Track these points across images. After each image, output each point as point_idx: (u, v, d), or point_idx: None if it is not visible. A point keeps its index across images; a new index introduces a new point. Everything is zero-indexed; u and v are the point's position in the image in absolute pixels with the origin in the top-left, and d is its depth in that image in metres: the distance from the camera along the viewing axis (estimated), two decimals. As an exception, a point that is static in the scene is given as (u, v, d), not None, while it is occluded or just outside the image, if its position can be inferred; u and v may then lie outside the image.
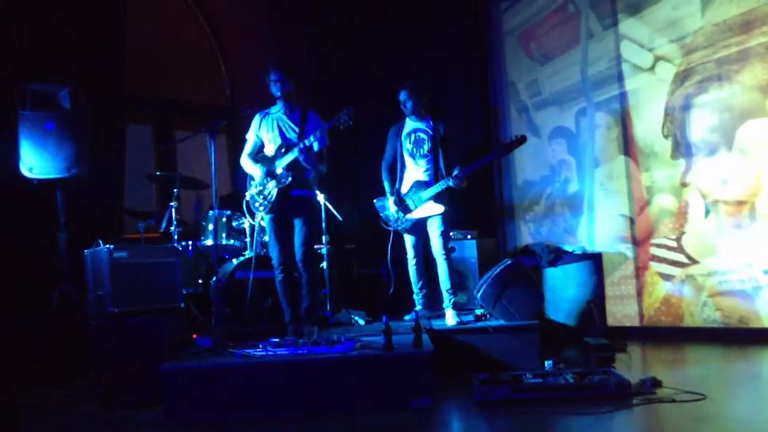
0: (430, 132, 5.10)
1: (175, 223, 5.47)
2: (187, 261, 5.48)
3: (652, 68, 5.75)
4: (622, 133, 6.03)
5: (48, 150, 4.91)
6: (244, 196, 4.93)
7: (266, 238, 5.46)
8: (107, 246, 4.41)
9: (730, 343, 5.05)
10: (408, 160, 5.16)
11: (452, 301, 4.96)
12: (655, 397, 3.56)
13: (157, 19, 7.42)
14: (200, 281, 5.59)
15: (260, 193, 4.67)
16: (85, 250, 4.65)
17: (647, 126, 5.82)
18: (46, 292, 4.90)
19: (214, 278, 5.13)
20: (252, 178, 4.77)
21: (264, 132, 4.76)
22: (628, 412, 3.38)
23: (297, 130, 4.65)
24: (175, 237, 5.44)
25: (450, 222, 5.12)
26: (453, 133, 5.26)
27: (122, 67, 6.35)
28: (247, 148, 4.83)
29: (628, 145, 5.99)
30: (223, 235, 5.62)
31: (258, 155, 4.80)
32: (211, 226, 5.56)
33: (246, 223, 5.63)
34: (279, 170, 4.59)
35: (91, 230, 4.97)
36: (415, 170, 5.13)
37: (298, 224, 4.64)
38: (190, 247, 5.63)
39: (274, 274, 4.69)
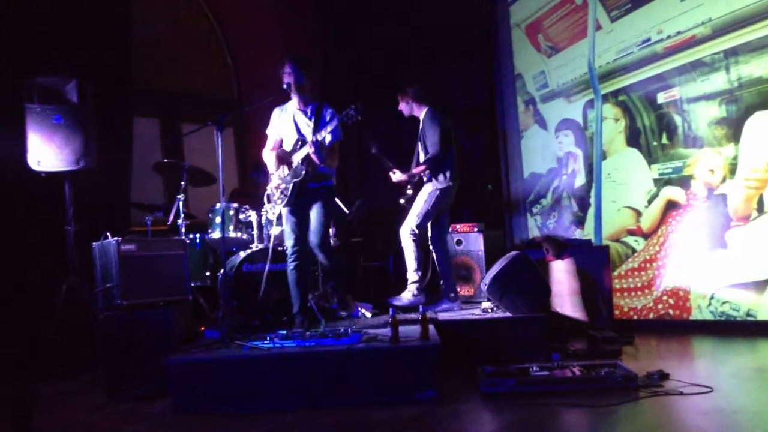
0: (420, 124, 5.34)
1: (182, 215, 5.48)
2: (194, 253, 5.50)
3: (660, 60, 5.72)
4: (630, 125, 6.01)
5: (56, 143, 4.91)
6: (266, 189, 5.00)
7: (272, 230, 5.51)
8: (115, 239, 4.43)
9: (737, 336, 5.04)
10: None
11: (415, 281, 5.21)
12: (662, 390, 3.55)
13: (164, 12, 7.43)
14: (207, 274, 5.61)
15: (278, 187, 4.74)
16: (93, 243, 4.67)
17: (655, 118, 5.80)
18: (55, 285, 4.92)
19: (222, 271, 5.15)
20: (271, 173, 4.85)
21: (280, 126, 4.81)
22: (634, 404, 3.38)
23: (311, 124, 4.69)
24: (183, 230, 5.45)
25: (428, 211, 5.23)
26: (437, 120, 5.28)
27: (128, 59, 6.36)
28: (268, 143, 4.91)
29: (635, 137, 5.97)
30: (231, 227, 5.64)
31: (279, 150, 4.86)
32: (218, 219, 5.58)
33: (253, 215, 5.63)
34: (295, 164, 4.64)
35: (99, 223, 4.98)
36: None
37: (313, 211, 4.69)
38: (198, 240, 5.65)
39: (287, 262, 4.75)
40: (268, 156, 4.89)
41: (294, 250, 4.72)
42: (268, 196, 4.91)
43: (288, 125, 4.76)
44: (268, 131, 4.89)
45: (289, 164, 4.70)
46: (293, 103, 4.77)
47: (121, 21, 6.29)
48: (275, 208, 4.84)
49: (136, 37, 6.47)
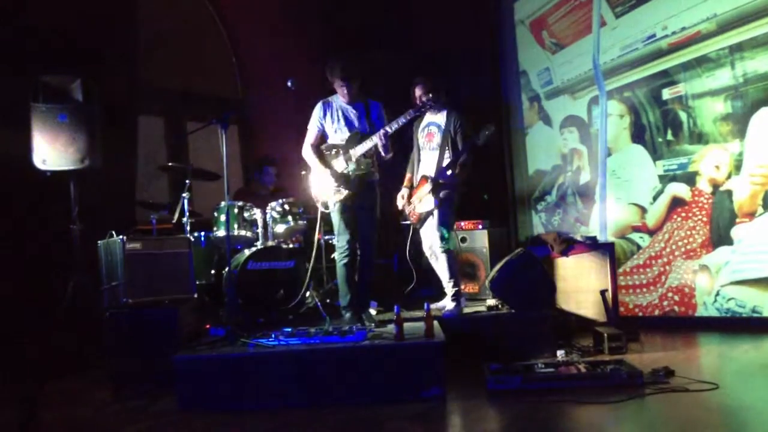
0: (443, 126, 5.07)
1: (187, 213, 5.49)
2: (199, 251, 5.50)
3: (665, 56, 5.70)
4: (635, 121, 5.99)
5: (61, 142, 4.91)
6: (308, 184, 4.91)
7: (277, 228, 5.52)
8: (120, 237, 4.44)
9: (743, 333, 5.02)
10: (421, 153, 5.19)
11: (454, 294, 4.95)
12: (668, 386, 3.55)
13: (168, 11, 7.43)
14: (213, 272, 5.62)
15: (337, 179, 4.63)
16: (99, 242, 4.68)
17: (660, 114, 5.78)
18: (60, 284, 4.93)
19: (227, 269, 5.15)
20: (318, 167, 4.73)
21: (329, 121, 4.74)
22: (640, 401, 3.38)
23: (363, 118, 4.69)
24: (188, 228, 5.46)
25: (451, 218, 5.05)
26: (468, 128, 5.14)
27: (133, 58, 6.36)
28: (311, 138, 4.78)
29: (640, 134, 5.95)
30: (235, 225, 5.64)
31: (322, 144, 4.78)
32: (223, 217, 5.58)
33: (257, 213, 5.63)
34: (356, 158, 4.61)
35: (105, 222, 4.99)
36: (425, 163, 5.15)
37: (367, 214, 4.67)
38: (203, 238, 5.66)
39: (337, 257, 4.71)
40: (311, 150, 4.74)
41: (348, 246, 4.64)
42: (318, 190, 4.76)
43: (338, 120, 4.70)
44: (311, 125, 4.77)
45: (350, 157, 4.63)
46: (339, 98, 4.73)
47: (126, 20, 6.30)
48: (331, 201, 4.70)
49: (141, 36, 6.48)
